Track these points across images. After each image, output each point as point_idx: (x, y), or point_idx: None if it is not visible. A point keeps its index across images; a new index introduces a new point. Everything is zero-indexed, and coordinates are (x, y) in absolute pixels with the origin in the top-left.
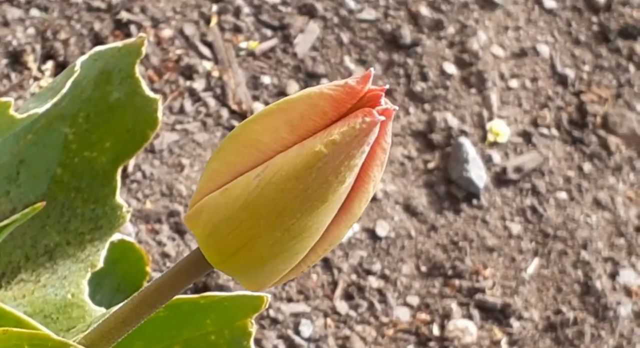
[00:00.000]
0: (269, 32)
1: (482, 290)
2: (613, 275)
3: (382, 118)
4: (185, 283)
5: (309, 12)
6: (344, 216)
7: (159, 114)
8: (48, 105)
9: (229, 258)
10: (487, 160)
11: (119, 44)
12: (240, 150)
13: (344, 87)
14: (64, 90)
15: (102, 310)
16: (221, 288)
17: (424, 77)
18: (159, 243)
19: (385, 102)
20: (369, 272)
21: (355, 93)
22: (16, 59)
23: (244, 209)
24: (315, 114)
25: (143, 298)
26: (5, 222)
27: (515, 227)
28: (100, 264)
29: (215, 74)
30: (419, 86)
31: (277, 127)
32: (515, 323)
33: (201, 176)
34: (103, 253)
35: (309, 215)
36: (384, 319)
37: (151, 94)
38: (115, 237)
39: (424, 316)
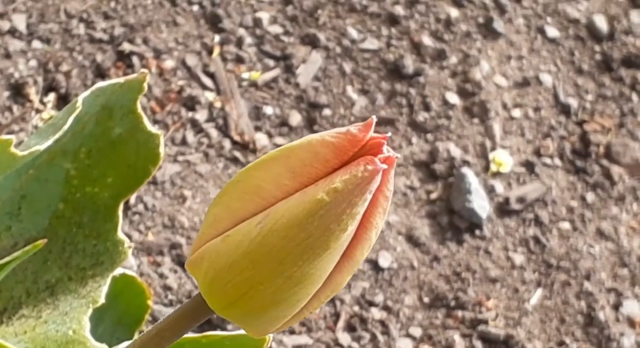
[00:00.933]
0: (271, 62)
1: (485, 321)
2: (616, 306)
3: (385, 166)
4: (187, 328)
5: (312, 42)
6: (346, 263)
7: (161, 150)
8: (49, 142)
9: (230, 305)
10: (490, 191)
11: (120, 79)
12: (242, 197)
13: (346, 134)
14: (66, 127)
15: (104, 346)
16: (223, 320)
17: (426, 107)
18: (161, 275)
19: (387, 150)
20: (371, 304)
21: (357, 141)
22: (18, 92)
23: (245, 256)
24: (317, 161)
25: (144, 343)
26: (7, 259)
27: (518, 258)
28: (101, 300)
29: (218, 104)
30: (422, 116)
31: (278, 174)
32: None
33: (203, 222)
34: (104, 289)
35: (311, 262)
36: None
37: (153, 130)
38: (117, 270)
39: None
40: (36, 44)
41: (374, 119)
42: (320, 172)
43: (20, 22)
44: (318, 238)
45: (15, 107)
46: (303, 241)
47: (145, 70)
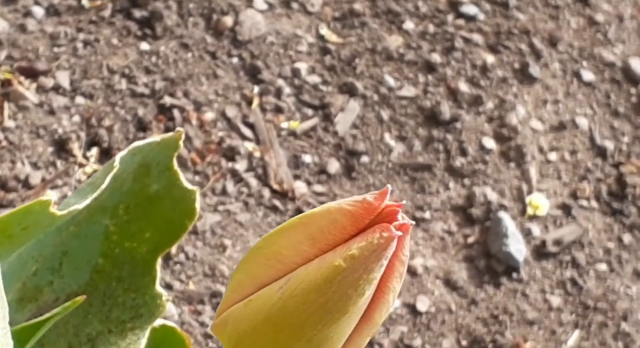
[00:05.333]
0: (309, 112)
1: None
2: None
3: (400, 233)
4: None
5: (349, 90)
6: (364, 325)
7: (197, 205)
8: (88, 201)
9: None
10: (527, 234)
11: (157, 138)
12: (264, 263)
13: (362, 202)
14: (104, 186)
15: None
16: None
17: (463, 152)
18: (202, 324)
19: (402, 217)
20: (409, 347)
21: (373, 209)
22: (61, 147)
23: (267, 321)
24: (335, 228)
25: None
26: (48, 314)
27: (556, 300)
28: None
29: (257, 154)
30: (459, 161)
31: (298, 241)
32: None
33: (227, 286)
34: (143, 341)
35: (330, 326)
36: None
37: (189, 186)
38: (157, 321)
39: None
40: (79, 99)
41: (389, 188)
42: (338, 239)
43: (64, 79)
44: (336, 303)
45: (59, 162)
46: (322, 306)
47: (180, 129)
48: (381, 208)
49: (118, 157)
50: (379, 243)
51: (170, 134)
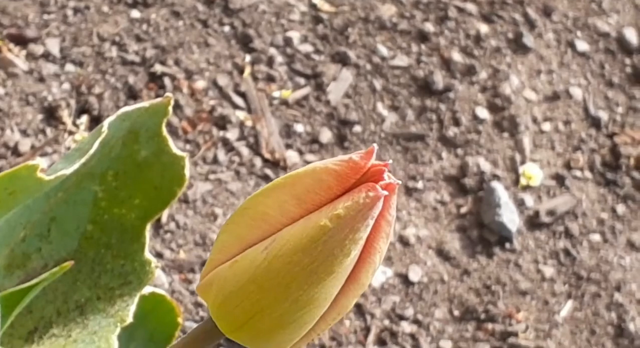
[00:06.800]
0: (302, 81)
1: (515, 334)
2: None
3: (385, 192)
4: None
5: (342, 60)
6: (351, 286)
7: (186, 172)
8: (76, 166)
9: (239, 328)
10: (520, 204)
11: (145, 104)
12: (249, 223)
13: (348, 162)
14: (92, 151)
15: None
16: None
17: (456, 122)
18: (192, 292)
19: (388, 177)
20: (401, 317)
21: (359, 168)
22: (51, 114)
23: (252, 281)
24: (321, 188)
25: None
26: (35, 280)
27: (548, 270)
28: (129, 319)
29: (249, 123)
30: (452, 131)
31: (284, 201)
32: None
33: (212, 247)
34: (132, 308)
35: (315, 286)
36: None
37: (178, 152)
38: (147, 289)
39: None
40: (69, 67)
41: (375, 147)
42: (323, 198)
43: (53, 46)
44: (322, 263)
45: (48, 130)
46: (307, 266)
47: (169, 94)
48: (367, 167)
49: (106, 123)
50: (365, 202)
51: (159, 99)
